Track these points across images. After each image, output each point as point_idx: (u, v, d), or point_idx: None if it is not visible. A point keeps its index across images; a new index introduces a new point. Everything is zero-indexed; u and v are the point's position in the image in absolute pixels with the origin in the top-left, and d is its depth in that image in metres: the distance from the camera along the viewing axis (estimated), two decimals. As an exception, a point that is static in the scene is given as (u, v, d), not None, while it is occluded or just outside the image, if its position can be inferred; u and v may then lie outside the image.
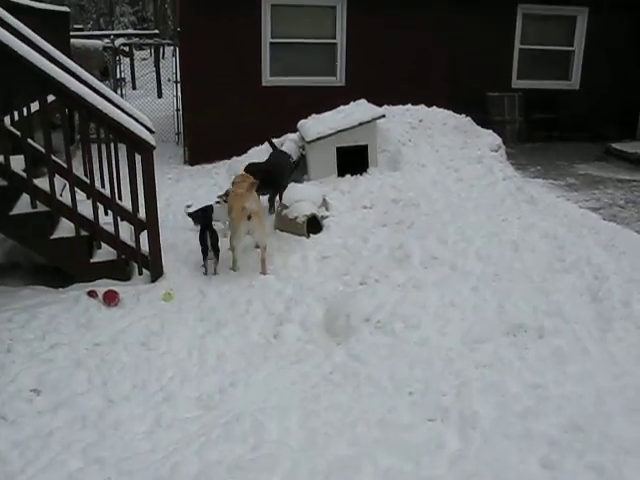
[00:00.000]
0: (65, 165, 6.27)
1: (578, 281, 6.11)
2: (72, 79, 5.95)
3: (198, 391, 4.60)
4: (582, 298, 5.82)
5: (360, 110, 9.84)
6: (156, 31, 26.05)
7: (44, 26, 10.82)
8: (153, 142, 6.16)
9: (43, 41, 7.43)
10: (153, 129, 7.81)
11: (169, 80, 16.78)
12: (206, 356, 5.14)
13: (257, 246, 6.96)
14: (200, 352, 5.21)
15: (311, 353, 5.10)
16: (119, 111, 6.10)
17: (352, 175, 9.30)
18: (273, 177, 8.25)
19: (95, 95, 6.01)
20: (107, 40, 16.79)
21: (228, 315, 5.84)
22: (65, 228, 6.44)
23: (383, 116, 9.67)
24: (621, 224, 8.73)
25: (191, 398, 4.51)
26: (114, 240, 6.46)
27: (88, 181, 6.55)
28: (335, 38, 13.06)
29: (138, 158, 6.17)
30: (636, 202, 9.99)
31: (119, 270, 6.55)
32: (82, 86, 5.99)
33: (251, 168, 8.25)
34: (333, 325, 5.33)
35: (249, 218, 6.56)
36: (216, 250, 6.79)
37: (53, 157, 6.26)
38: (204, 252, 6.78)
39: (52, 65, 5.84)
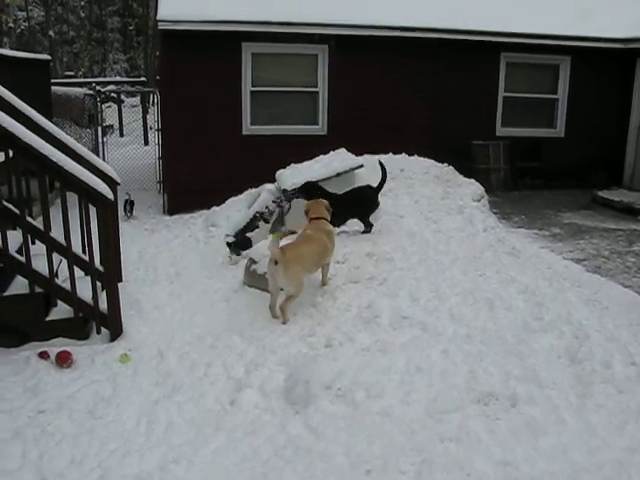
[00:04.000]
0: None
1: (556, 341, 5.78)
2: (26, 131, 5.69)
3: (138, 467, 4.24)
4: (560, 360, 5.49)
5: (338, 160, 9.64)
6: (143, 79, 26.01)
7: (23, 74, 10.70)
8: (109, 195, 5.88)
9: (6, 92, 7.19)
10: (118, 180, 7.54)
11: (150, 128, 16.63)
12: (155, 425, 4.79)
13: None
14: (149, 421, 4.86)
15: (267, 423, 4.74)
16: (73, 162, 5.81)
17: (332, 227, 9.04)
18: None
19: (49, 146, 5.73)
20: (89, 87, 16.69)
21: (185, 379, 5.49)
22: (19, 284, 6.16)
23: (361, 166, 9.46)
24: (605, 276, 8.47)
25: (128, 476, 4.15)
26: (70, 297, 6.15)
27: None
28: (317, 86, 12.93)
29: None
30: (621, 253, 9.73)
31: (76, 329, 6.24)
32: (36, 138, 5.72)
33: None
34: (292, 392, 4.99)
35: (275, 263, 6.33)
36: None
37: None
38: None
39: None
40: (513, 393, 4.88)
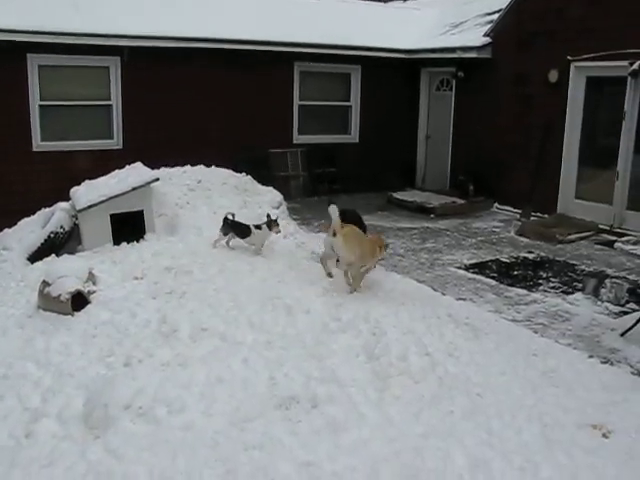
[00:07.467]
0: None
1: (354, 340, 5.98)
2: None
3: None
4: (358, 358, 5.68)
5: (134, 174, 9.42)
6: None
7: None
8: None
9: None
10: None
11: None
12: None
13: None
14: None
15: (66, 452, 4.51)
16: None
17: (128, 243, 8.82)
18: None
19: None
20: None
21: (-26, 418, 5.12)
22: None
23: (157, 179, 9.29)
24: (401, 273, 8.90)
25: None
26: None
27: None
28: (110, 100, 12.58)
29: None
30: (415, 250, 10.27)
31: None
32: None
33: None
34: (91, 416, 4.79)
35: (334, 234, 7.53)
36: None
37: None
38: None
39: None
40: (314, 394, 4.99)
